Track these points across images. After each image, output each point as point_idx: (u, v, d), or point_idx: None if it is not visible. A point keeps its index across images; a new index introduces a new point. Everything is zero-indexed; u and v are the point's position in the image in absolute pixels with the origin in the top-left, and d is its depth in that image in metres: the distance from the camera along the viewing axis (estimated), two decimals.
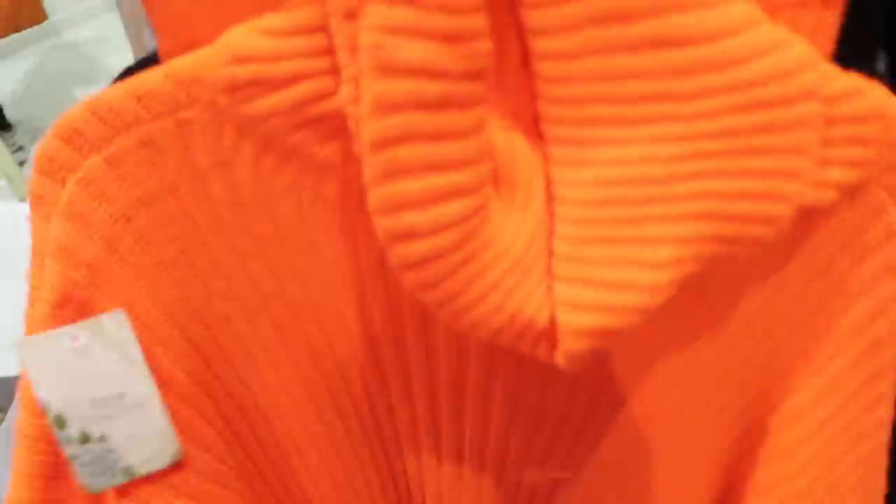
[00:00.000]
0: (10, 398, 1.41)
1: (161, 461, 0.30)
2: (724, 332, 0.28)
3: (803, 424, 0.29)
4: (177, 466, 0.30)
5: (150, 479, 0.30)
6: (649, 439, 0.33)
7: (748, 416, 0.31)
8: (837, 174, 0.23)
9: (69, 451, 0.29)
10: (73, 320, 0.26)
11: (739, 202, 0.22)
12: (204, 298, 0.28)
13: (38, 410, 0.27)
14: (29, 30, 2.30)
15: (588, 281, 0.23)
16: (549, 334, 0.24)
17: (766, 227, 0.23)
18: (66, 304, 0.26)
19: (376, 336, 0.30)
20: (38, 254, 0.27)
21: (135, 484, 0.30)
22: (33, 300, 0.27)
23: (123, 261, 0.26)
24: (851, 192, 0.24)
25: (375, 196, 0.22)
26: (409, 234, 0.22)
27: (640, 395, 0.31)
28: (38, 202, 0.25)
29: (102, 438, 0.29)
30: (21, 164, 1.72)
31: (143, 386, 0.28)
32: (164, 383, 0.28)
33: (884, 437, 0.30)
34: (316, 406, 0.32)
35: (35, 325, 0.27)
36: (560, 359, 0.25)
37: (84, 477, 0.29)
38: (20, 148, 1.85)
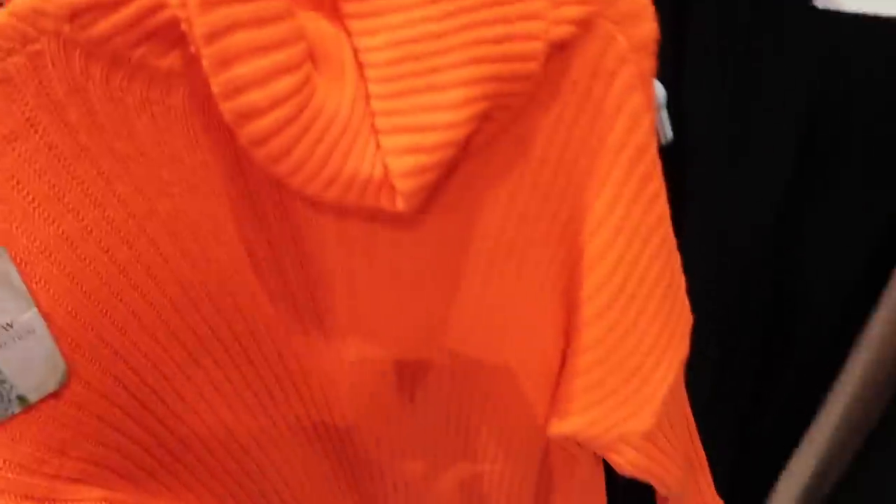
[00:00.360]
0: None
1: (51, 385, 0.32)
2: (528, 169, 0.35)
3: (604, 233, 0.37)
4: (59, 396, 0.32)
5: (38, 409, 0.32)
6: (495, 282, 0.40)
7: (567, 241, 0.39)
8: (570, 11, 0.30)
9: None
10: None
11: (502, 45, 0.29)
12: (81, 231, 0.31)
13: None
14: None
15: (404, 128, 0.29)
16: (386, 183, 0.30)
17: (529, 62, 0.30)
18: None
19: (247, 234, 0.35)
20: None
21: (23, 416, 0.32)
22: None
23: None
24: (586, 27, 0.31)
25: (217, 84, 0.27)
26: (252, 113, 0.27)
27: (477, 242, 0.38)
28: None
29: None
30: None
31: (28, 312, 0.30)
32: (45, 318, 0.31)
33: (667, 229, 0.38)
34: (202, 316, 0.36)
35: None
36: (400, 202, 0.31)
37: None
38: None
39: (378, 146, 0.30)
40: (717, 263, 0.53)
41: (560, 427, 0.46)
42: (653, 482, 0.49)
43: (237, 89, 0.26)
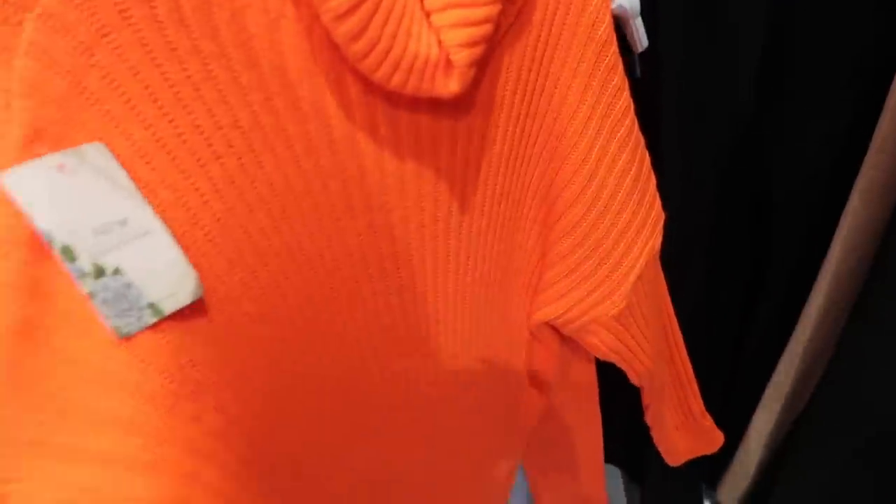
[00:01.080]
0: None
1: (184, 295, 0.29)
2: (524, 62, 0.40)
3: (577, 121, 0.42)
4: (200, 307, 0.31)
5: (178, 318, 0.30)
6: (499, 170, 0.45)
7: (542, 127, 0.44)
8: None
9: (86, 287, 0.27)
10: (56, 149, 0.26)
11: None
12: (174, 137, 0.30)
13: (7, 250, 0.26)
14: None
15: (454, 4, 0.33)
16: (441, 63, 0.34)
17: None
18: (38, 139, 0.26)
19: (318, 142, 0.35)
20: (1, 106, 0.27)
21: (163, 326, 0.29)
22: None
23: (92, 100, 0.28)
24: None
25: None
26: None
27: (492, 131, 0.43)
28: None
29: (117, 271, 0.27)
30: None
31: (142, 211, 0.28)
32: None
33: (632, 119, 0.43)
34: (290, 225, 0.36)
35: (6, 164, 0.26)
36: (454, 81, 0.34)
37: (110, 319, 0.27)
38: None
39: (430, 27, 0.33)
40: (694, 171, 0.57)
41: (540, 314, 0.52)
42: (624, 367, 0.54)
43: None
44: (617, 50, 0.41)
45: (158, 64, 0.29)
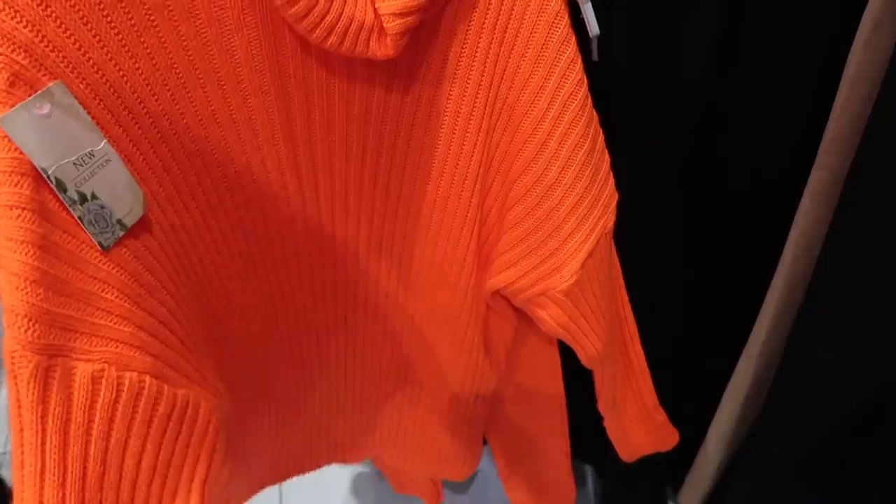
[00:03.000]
0: None
1: (138, 210, 0.37)
2: (468, 37, 0.43)
3: (528, 92, 0.44)
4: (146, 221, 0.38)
5: (134, 232, 0.37)
6: (443, 136, 0.48)
7: (496, 96, 0.46)
8: None
9: (77, 213, 0.33)
10: (27, 95, 0.31)
11: None
12: (119, 80, 0.36)
13: (17, 180, 0.31)
14: None
15: None
16: (376, 27, 0.38)
17: None
18: (17, 84, 0.31)
19: (263, 67, 0.41)
20: None
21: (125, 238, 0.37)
22: None
23: (51, 45, 0.32)
24: None
25: None
26: None
27: (433, 97, 0.46)
28: None
29: (94, 196, 0.33)
30: None
31: (101, 143, 0.34)
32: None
33: (584, 93, 0.45)
34: (238, 132, 0.43)
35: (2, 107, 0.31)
36: (389, 44, 0.38)
37: (96, 236, 0.34)
38: None
39: None
40: (648, 161, 0.59)
41: (493, 282, 0.54)
42: (574, 346, 0.56)
43: None
44: (569, 23, 0.43)
45: (106, 14, 0.34)
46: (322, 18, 0.37)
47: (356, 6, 0.38)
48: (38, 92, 0.31)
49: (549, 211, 0.49)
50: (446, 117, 0.47)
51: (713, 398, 0.76)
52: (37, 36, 0.31)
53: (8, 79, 0.30)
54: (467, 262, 0.54)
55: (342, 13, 0.37)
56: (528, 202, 0.49)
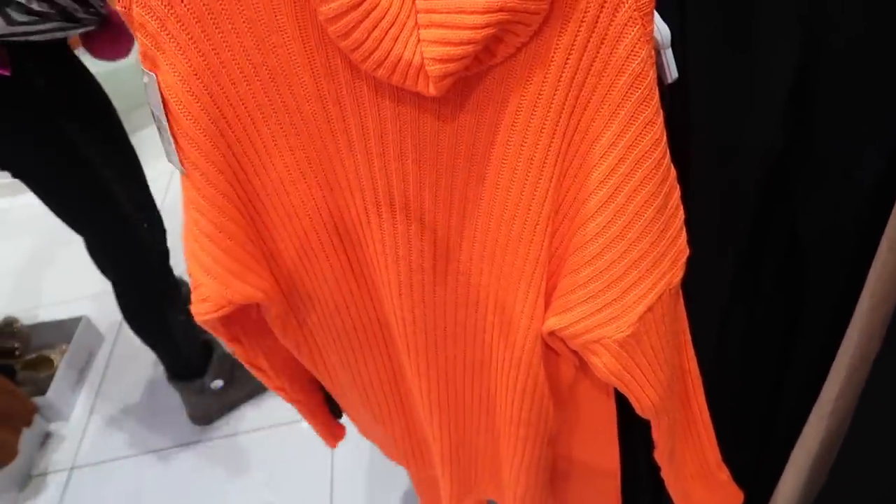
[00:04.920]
0: (69, 337, 1.67)
1: (180, 169, 0.48)
2: (544, 82, 0.43)
3: (600, 147, 0.44)
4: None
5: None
6: (510, 181, 0.48)
7: (567, 151, 0.46)
8: None
9: (161, 132, 0.47)
10: (150, 69, 0.44)
11: None
12: (219, 66, 0.44)
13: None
14: None
15: (438, 24, 0.39)
16: (423, 69, 0.40)
17: None
18: (146, 59, 0.44)
19: (324, 95, 0.46)
20: (133, 29, 0.44)
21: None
22: None
23: (170, 35, 0.42)
24: None
25: None
26: None
27: (501, 142, 0.47)
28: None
29: (164, 136, 0.47)
30: None
31: (166, 122, 0.46)
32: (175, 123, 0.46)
33: (662, 153, 0.45)
34: (292, 152, 0.49)
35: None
36: (431, 87, 0.40)
37: (167, 153, 0.48)
38: None
39: (419, 38, 0.39)
40: (721, 207, 0.58)
41: (549, 324, 0.53)
42: (629, 395, 0.55)
43: None
44: (653, 82, 0.43)
45: (215, 19, 0.42)
46: (370, 54, 0.40)
47: (405, 45, 0.39)
48: (146, 70, 0.44)
49: (611, 263, 0.48)
50: (519, 163, 0.48)
51: (780, 458, 0.73)
52: (160, 28, 0.42)
53: (143, 53, 0.44)
54: (538, 304, 0.53)
55: (390, 51, 0.40)
56: (591, 251, 0.49)
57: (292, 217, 0.51)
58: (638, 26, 0.41)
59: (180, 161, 0.47)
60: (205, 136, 0.46)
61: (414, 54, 0.39)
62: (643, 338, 0.51)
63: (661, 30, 0.43)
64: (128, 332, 1.50)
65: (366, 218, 0.52)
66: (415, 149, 0.47)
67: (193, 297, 0.53)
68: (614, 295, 0.49)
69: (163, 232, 1.34)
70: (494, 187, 0.49)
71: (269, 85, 0.45)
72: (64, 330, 1.78)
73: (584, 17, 0.41)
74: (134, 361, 1.79)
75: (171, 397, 1.62)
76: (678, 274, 0.50)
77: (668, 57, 0.45)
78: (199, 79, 0.44)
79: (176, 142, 0.46)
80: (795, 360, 0.66)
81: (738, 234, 0.58)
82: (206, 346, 1.56)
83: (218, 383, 1.54)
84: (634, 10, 0.41)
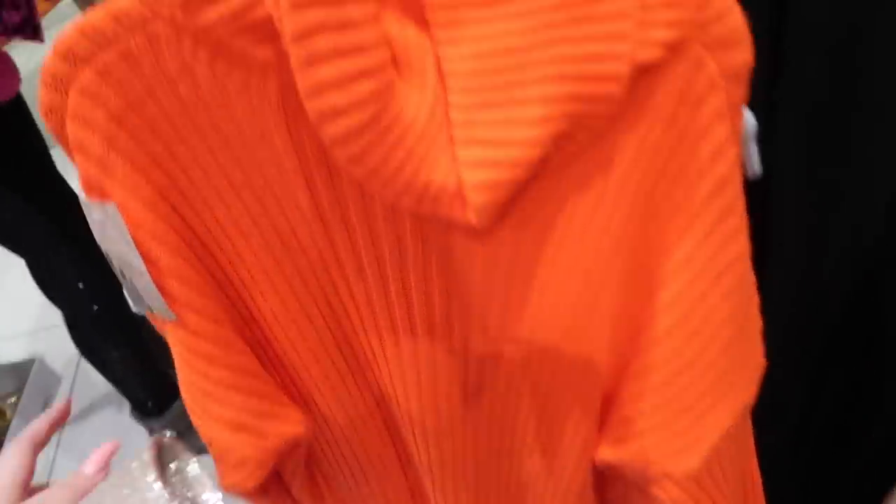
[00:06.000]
0: (21, 383, 1.47)
1: (166, 314, 0.37)
2: (606, 190, 0.35)
3: (673, 264, 0.36)
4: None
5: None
6: (560, 304, 0.40)
7: (635, 267, 0.38)
8: (659, 34, 0.29)
9: (120, 278, 0.38)
10: (100, 200, 0.34)
11: (585, 64, 0.29)
12: (188, 185, 0.35)
13: None
14: None
15: (480, 141, 0.30)
16: (459, 194, 0.31)
17: (611, 84, 0.29)
18: (91, 189, 0.34)
19: (326, 217, 0.37)
20: (68, 152, 0.34)
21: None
22: None
23: (122, 155, 0.33)
24: (675, 50, 0.30)
25: (302, 82, 0.28)
26: (334, 113, 0.29)
27: (546, 260, 0.38)
28: (50, 113, 0.32)
29: (131, 282, 0.37)
30: None
31: (139, 262, 0.35)
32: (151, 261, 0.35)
33: (745, 267, 0.37)
34: (287, 281, 0.39)
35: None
36: (471, 215, 0.31)
37: (129, 300, 0.39)
38: None
39: (454, 155, 0.30)
40: (802, 308, 0.49)
41: (605, 454, 0.45)
42: None
43: (320, 89, 0.28)
44: (740, 187, 0.34)
45: (178, 131, 0.33)
46: (391, 180, 0.30)
47: (436, 167, 0.30)
48: (99, 203, 0.34)
49: (681, 390, 0.40)
50: (572, 281, 0.39)
51: None
52: (108, 147, 0.33)
53: (84, 182, 0.34)
54: (591, 431, 0.46)
55: (416, 176, 0.30)
56: (658, 377, 0.40)
57: (289, 352, 0.42)
58: (726, 123, 0.32)
59: (167, 306, 0.36)
60: (189, 265, 0.36)
61: (448, 177, 0.30)
62: (714, 466, 0.43)
63: (747, 119, 0.34)
64: (88, 369, 1.33)
65: (380, 346, 0.43)
66: (441, 273, 0.38)
67: (222, 468, 0.40)
68: (685, 425, 0.41)
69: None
70: (539, 308, 0.40)
71: (255, 208, 0.36)
72: (15, 375, 1.57)
73: (658, 112, 0.32)
74: (98, 402, 1.58)
75: (143, 439, 1.44)
76: (754, 391, 0.42)
77: (752, 150, 0.36)
78: (166, 201, 0.35)
79: (157, 283, 0.35)
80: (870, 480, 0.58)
81: (816, 336, 0.49)
82: (162, 384, 1.37)
83: (168, 433, 1.42)
84: (723, 105, 0.32)
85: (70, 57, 0.30)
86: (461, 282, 0.39)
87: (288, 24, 0.27)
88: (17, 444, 0.35)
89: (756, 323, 0.40)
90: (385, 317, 0.40)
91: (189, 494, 0.30)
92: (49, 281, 1.17)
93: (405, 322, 0.41)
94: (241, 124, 0.33)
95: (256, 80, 0.32)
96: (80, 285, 1.15)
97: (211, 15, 0.29)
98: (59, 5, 2.38)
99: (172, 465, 0.30)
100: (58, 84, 0.31)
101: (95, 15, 0.30)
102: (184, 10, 0.29)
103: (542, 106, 0.29)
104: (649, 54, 0.29)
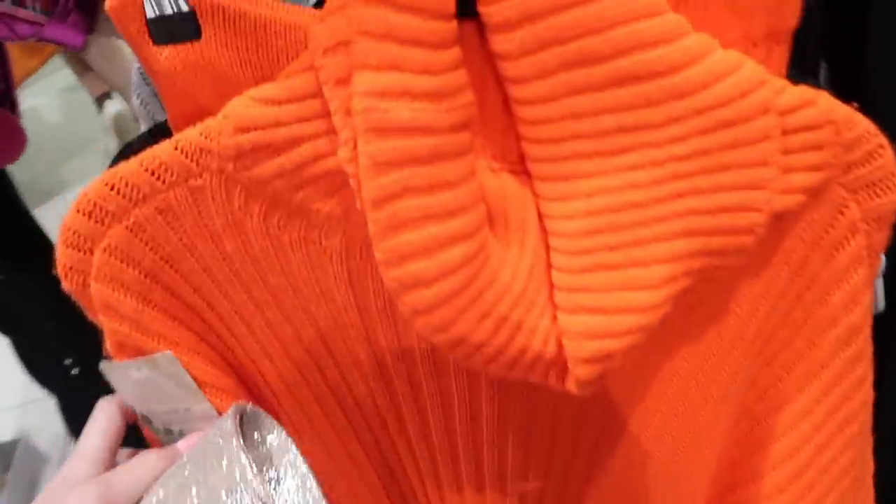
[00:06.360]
0: (7, 463, 1.34)
1: None
2: (719, 340, 0.30)
3: (791, 413, 0.31)
4: None
5: None
6: (653, 454, 0.35)
7: (741, 407, 0.33)
8: (801, 179, 0.25)
9: (160, 438, 0.33)
10: (133, 357, 0.30)
11: (718, 216, 0.24)
12: (232, 341, 0.31)
13: None
14: None
15: (590, 308, 0.25)
16: (558, 363, 0.26)
17: (745, 235, 0.25)
18: (122, 350, 0.30)
19: (390, 376, 0.32)
20: (91, 312, 0.29)
21: None
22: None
23: (159, 309, 0.29)
24: (815, 193, 0.26)
25: (381, 249, 0.23)
26: (417, 283, 0.24)
27: (643, 412, 0.33)
28: (70, 272, 0.27)
29: (181, 433, 0.33)
30: None
31: (203, 404, 0.31)
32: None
33: (868, 416, 0.32)
34: (343, 443, 0.34)
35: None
36: (572, 386, 0.26)
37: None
38: None
39: (554, 321, 0.25)
40: None
41: None
42: None
43: (403, 257, 0.23)
44: (869, 333, 0.30)
45: (220, 286, 0.29)
46: (479, 349, 0.25)
47: (534, 334, 0.25)
48: (140, 358, 0.29)
49: None
50: (673, 440, 0.34)
51: None
52: (143, 303, 0.29)
53: (113, 346, 0.29)
54: None
55: (510, 343, 0.25)
56: None
57: None
58: (864, 268, 0.28)
59: None
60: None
61: (546, 344, 0.25)
62: None
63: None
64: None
65: (439, 500, 0.37)
66: (520, 431, 0.33)
67: None
68: None
69: None
70: (629, 468, 0.35)
71: (305, 363, 0.31)
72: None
73: (787, 257, 0.28)
74: None
75: None
76: None
77: (878, 286, 0.31)
78: (214, 349, 0.31)
79: None
80: None
81: None
82: None
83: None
84: (862, 249, 0.27)
85: (96, 214, 0.26)
86: (543, 440, 0.34)
87: (368, 188, 0.22)
88: (107, 406, 0.31)
89: (871, 466, 0.36)
90: (449, 473, 0.35)
91: (274, 462, 0.27)
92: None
93: (471, 477, 0.36)
94: (296, 279, 0.29)
95: (317, 234, 0.27)
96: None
97: (268, 167, 0.25)
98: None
99: (255, 435, 0.28)
100: (81, 243, 0.27)
101: (128, 168, 0.25)
102: (236, 162, 0.25)
103: (667, 265, 0.24)
104: (788, 201, 0.25)
